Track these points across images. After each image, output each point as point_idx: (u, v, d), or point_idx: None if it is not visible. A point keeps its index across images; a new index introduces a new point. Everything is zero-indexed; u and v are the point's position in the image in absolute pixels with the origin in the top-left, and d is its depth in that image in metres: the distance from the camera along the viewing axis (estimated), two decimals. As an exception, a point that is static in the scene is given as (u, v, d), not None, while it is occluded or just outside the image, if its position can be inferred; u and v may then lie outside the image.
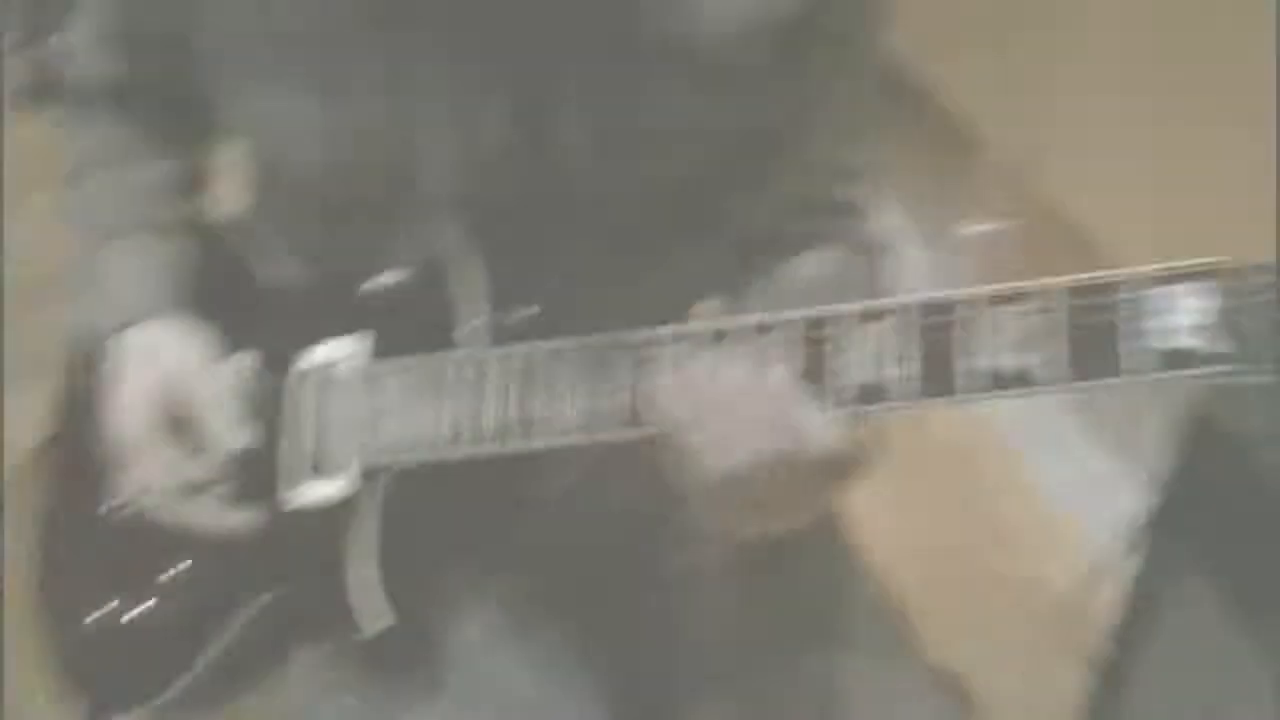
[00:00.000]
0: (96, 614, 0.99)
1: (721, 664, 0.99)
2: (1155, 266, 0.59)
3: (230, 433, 0.90)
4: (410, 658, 0.92)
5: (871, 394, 0.66)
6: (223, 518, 0.91)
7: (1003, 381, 0.62)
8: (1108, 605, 1.53)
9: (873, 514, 2.11)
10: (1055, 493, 2.24)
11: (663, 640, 1.01)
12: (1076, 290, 0.61)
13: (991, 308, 0.63)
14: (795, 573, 1.00)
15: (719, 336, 0.72)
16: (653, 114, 0.90)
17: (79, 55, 1.08)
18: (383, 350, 0.89)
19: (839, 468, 0.69)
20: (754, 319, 0.71)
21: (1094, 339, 0.60)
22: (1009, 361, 0.62)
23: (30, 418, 1.17)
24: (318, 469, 0.89)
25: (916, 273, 2.84)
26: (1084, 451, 2.32)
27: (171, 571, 0.97)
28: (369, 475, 0.87)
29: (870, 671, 0.97)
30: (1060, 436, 2.35)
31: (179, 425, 0.93)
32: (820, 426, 0.68)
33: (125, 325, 0.97)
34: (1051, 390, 0.61)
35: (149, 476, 0.92)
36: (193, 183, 1.11)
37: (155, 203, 1.06)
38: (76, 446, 1.05)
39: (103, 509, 1.02)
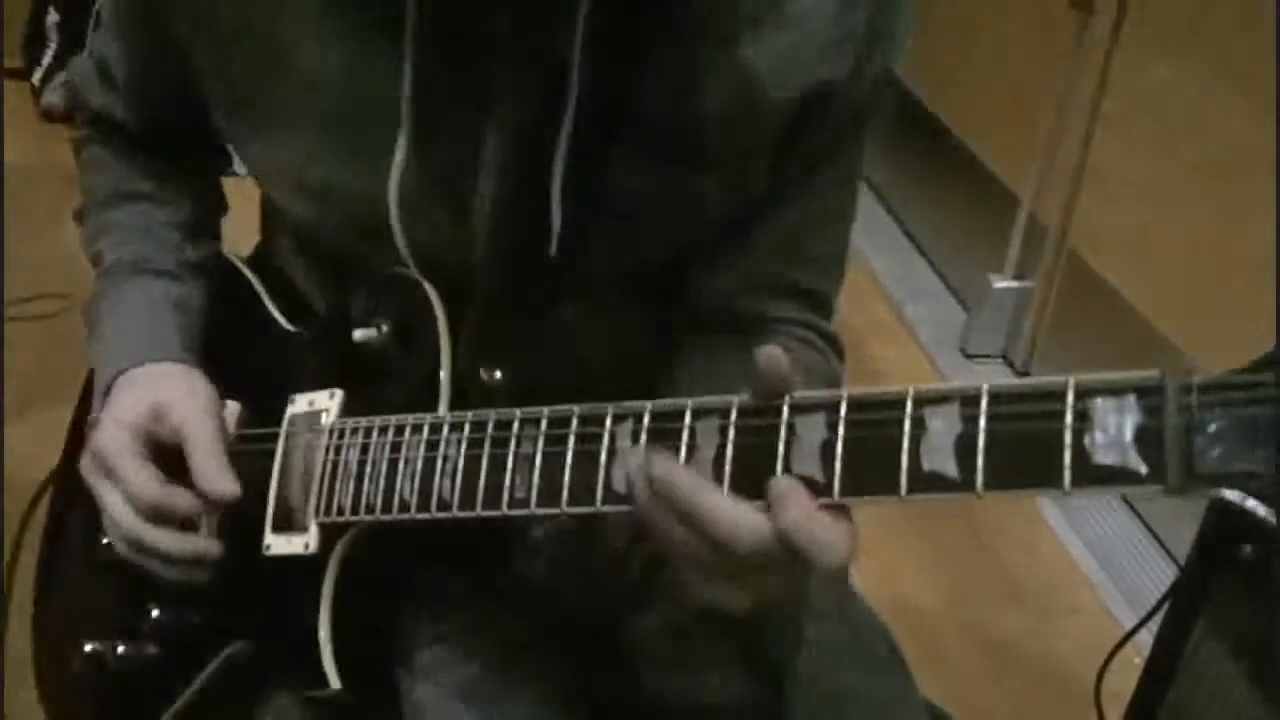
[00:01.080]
0: (85, 650, 0.98)
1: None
2: (1085, 377, 0.58)
3: (222, 481, 0.89)
4: (376, 715, 0.92)
5: (816, 488, 0.65)
6: (183, 545, 0.90)
7: (942, 484, 0.61)
8: (1124, 672, 1.51)
9: (890, 562, 2.13)
10: (1077, 555, 2.23)
11: (639, 702, 0.99)
12: (1013, 396, 0.60)
13: (932, 407, 0.62)
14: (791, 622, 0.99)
15: (670, 419, 0.72)
16: (636, 185, 0.90)
17: (86, 91, 1.09)
18: (352, 407, 0.90)
19: (792, 562, 0.67)
20: (709, 402, 0.71)
21: (1030, 448, 0.59)
22: (947, 465, 0.61)
23: (44, 449, 1.17)
24: (286, 522, 0.90)
25: (947, 327, 2.86)
26: (1107, 515, 2.31)
27: (154, 612, 0.97)
28: (331, 532, 0.87)
29: (851, 707, 0.95)
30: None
31: (161, 451, 0.92)
32: (756, 526, 0.67)
33: (131, 366, 0.96)
34: (992, 496, 0.60)
35: (119, 494, 0.91)
36: (204, 225, 1.11)
37: (166, 244, 1.06)
38: (80, 480, 1.05)
39: (99, 549, 1.00)
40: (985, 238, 2.81)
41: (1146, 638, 1.43)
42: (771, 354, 0.68)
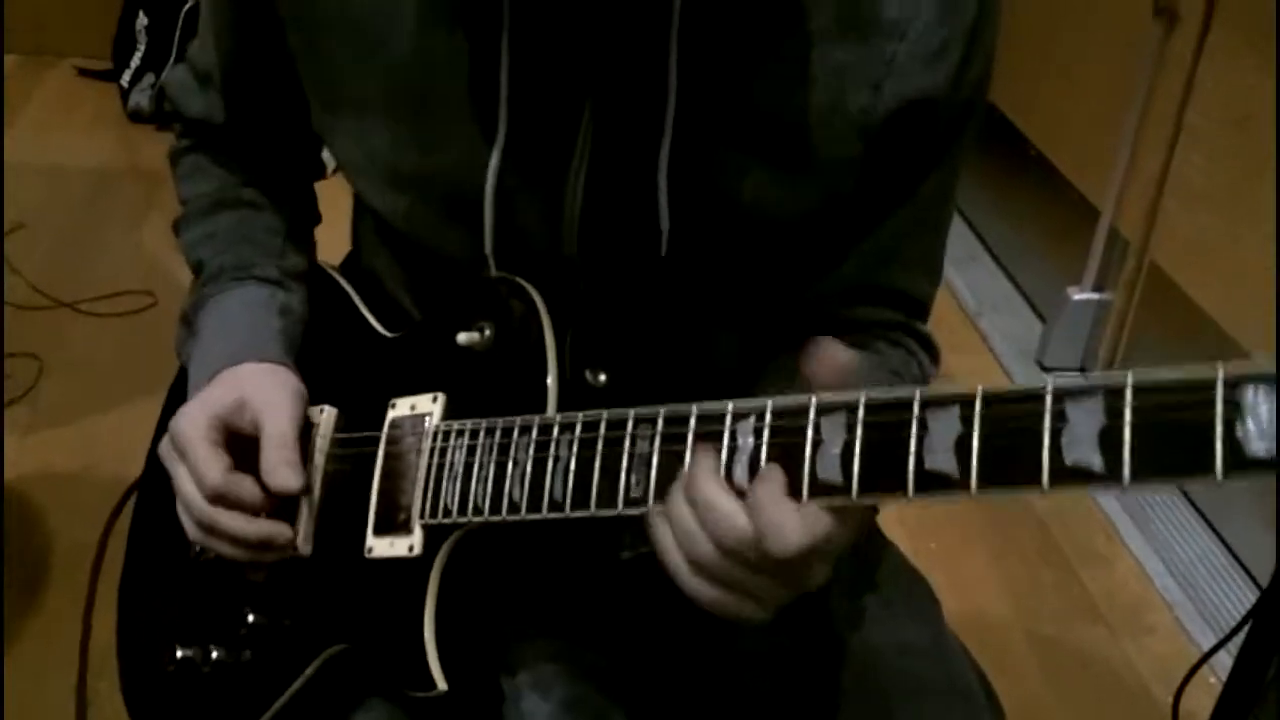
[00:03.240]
0: (178, 655, 0.99)
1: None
2: (1233, 365, 0.57)
3: (285, 468, 0.90)
4: (476, 718, 0.92)
5: (949, 483, 0.65)
6: (249, 526, 0.91)
7: (1086, 477, 0.60)
8: (1201, 693, 1.49)
9: (961, 575, 2.11)
10: (1153, 573, 2.19)
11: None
12: (1160, 387, 0.59)
13: (1073, 400, 0.61)
14: (875, 637, 0.99)
15: (793, 415, 0.71)
16: (738, 186, 0.90)
17: (183, 98, 1.10)
18: (455, 410, 0.90)
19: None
20: (835, 398, 0.70)
21: (1180, 438, 0.58)
22: (1091, 457, 0.60)
23: (125, 443, 1.17)
24: (388, 525, 0.90)
25: (1022, 338, 2.83)
26: (1186, 535, 2.27)
27: (250, 617, 0.98)
28: (436, 534, 0.87)
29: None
30: (1160, 514, 2.31)
31: (241, 444, 0.93)
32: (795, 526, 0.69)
33: (230, 366, 0.97)
34: (1138, 487, 0.60)
35: (189, 476, 0.91)
36: (301, 233, 1.12)
37: (268, 250, 1.07)
38: (169, 486, 1.05)
39: (191, 552, 1.01)
40: (1064, 249, 2.77)
41: (1225, 660, 1.40)
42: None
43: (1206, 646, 1.46)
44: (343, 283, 1.09)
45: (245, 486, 0.91)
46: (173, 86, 1.10)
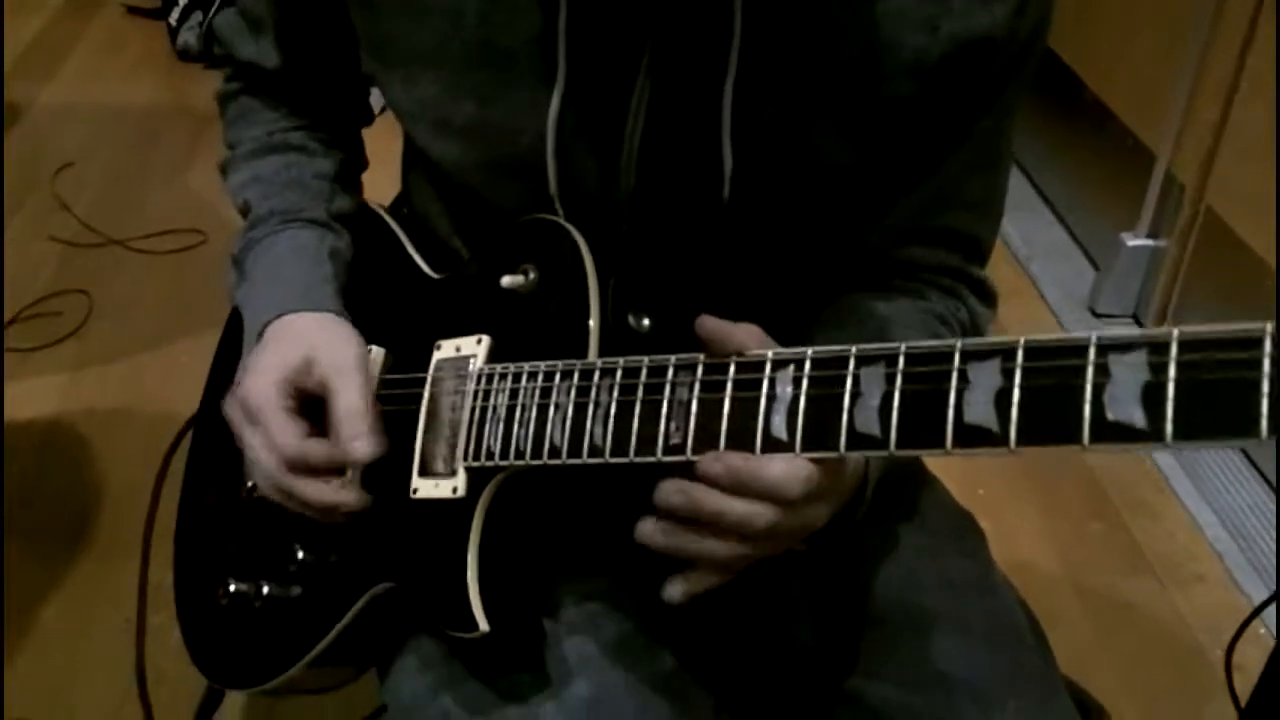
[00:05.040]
0: (231, 590, 1.00)
1: (852, 690, 0.95)
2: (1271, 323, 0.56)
3: (359, 441, 0.89)
4: (521, 664, 0.92)
5: (989, 438, 0.64)
6: (328, 494, 0.91)
7: (1128, 434, 0.59)
8: (1250, 645, 1.47)
9: (1008, 525, 2.10)
10: (1204, 522, 2.17)
11: (786, 671, 0.99)
12: (1205, 343, 0.58)
13: (1116, 354, 0.60)
14: (919, 573, 0.98)
15: (833, 365, 0.71)
16: (798, 129, 0.89)
17: (233, 43, 1.10)
18: (499, 353, 0.90)
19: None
20: (875, 348, 0.69)
21: (1224, 395, 0.57)
22: (1134, 414, 0.59)
23: (174, 380, 1.18)
24: (433, 466, 0.90)
25: (1075, 285, 2.79)
26: (1238, 485, 2.25)
27: (300, 554, 0.99)
28: (479, 477, 0.87)
29: (993, 686, 0.93)
30: (1210, 463, 2.29)
31: (307, 403, 0.93)
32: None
33: (287, 313, 0.97)
34: (1182, 446, 0.58)
35: (262, 441, 0.92)
36: (349, 178, 1.12)
37: (317, 194, 1.07)
38: (223, 425, 1.06)
39: (243, 490, 1.01)
40: (1118, 194, 2.73)
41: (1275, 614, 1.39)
42: (704, 324, 0.75)
43: (1257, 597, 1.45)
44: (391, 223, 1.09)
45: (319, 453, 0.91)
46: (224, 29, 1.10)
